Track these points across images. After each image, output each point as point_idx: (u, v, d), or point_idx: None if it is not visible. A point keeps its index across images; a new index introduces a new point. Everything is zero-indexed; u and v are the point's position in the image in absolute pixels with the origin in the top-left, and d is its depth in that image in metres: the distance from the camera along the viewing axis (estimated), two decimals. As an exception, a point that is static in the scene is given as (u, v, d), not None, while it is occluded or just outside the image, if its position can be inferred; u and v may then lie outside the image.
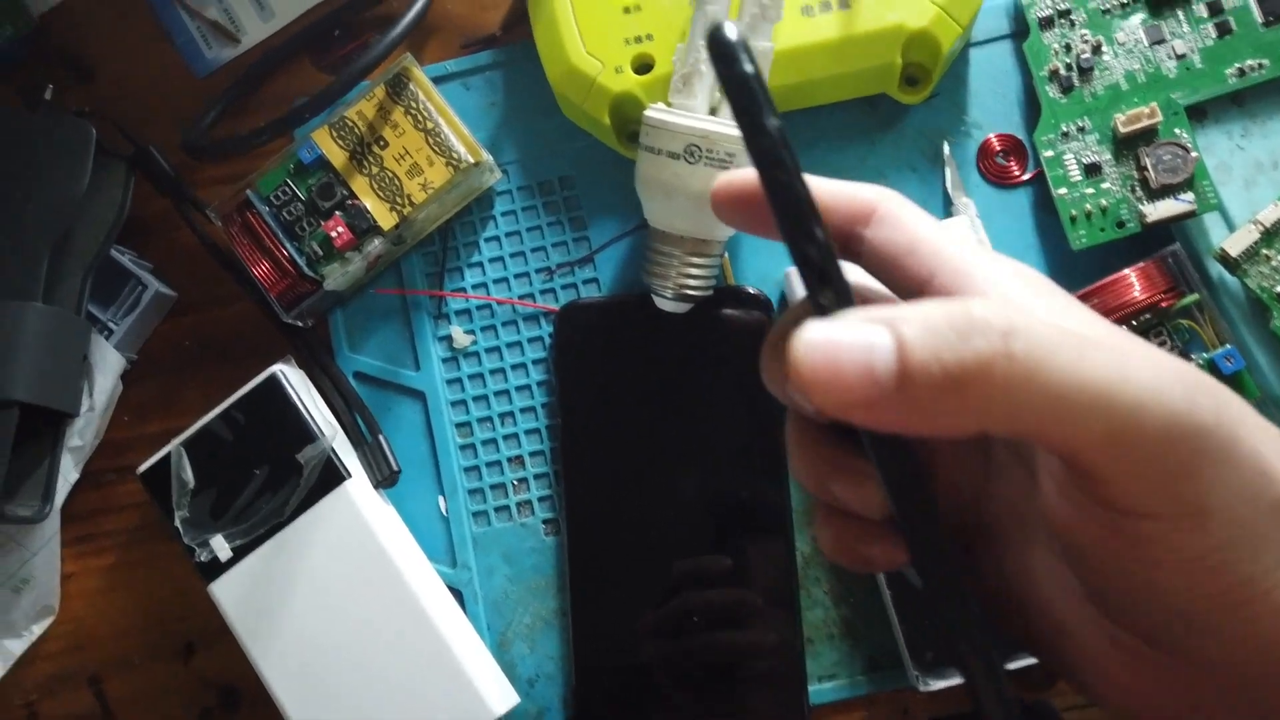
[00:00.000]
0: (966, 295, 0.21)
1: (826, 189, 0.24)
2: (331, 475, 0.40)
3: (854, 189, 0.24)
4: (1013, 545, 0.24)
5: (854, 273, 0.23)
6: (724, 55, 0.19)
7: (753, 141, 0.20)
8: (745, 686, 0.40)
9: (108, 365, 0.42)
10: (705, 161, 0.36)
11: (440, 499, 0.43)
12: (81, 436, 0.42)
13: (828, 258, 0.20)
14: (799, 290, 0.40)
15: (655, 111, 0.37)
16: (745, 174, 0.23)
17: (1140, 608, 0.21)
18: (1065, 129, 0.40)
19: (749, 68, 0.19)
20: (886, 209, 0.23)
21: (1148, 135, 0.39)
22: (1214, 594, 0.19)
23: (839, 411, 0.18)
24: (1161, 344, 0.38)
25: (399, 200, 0.41)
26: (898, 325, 0.18)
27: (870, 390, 0.17)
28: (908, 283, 0.23)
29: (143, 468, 0.40)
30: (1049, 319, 0.19)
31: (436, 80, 0.44)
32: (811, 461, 0.23)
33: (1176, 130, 0.39)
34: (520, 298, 0.43)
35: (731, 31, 0.19)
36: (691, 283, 0.39)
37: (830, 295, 0.20)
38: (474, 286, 0.44)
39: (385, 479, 0.41)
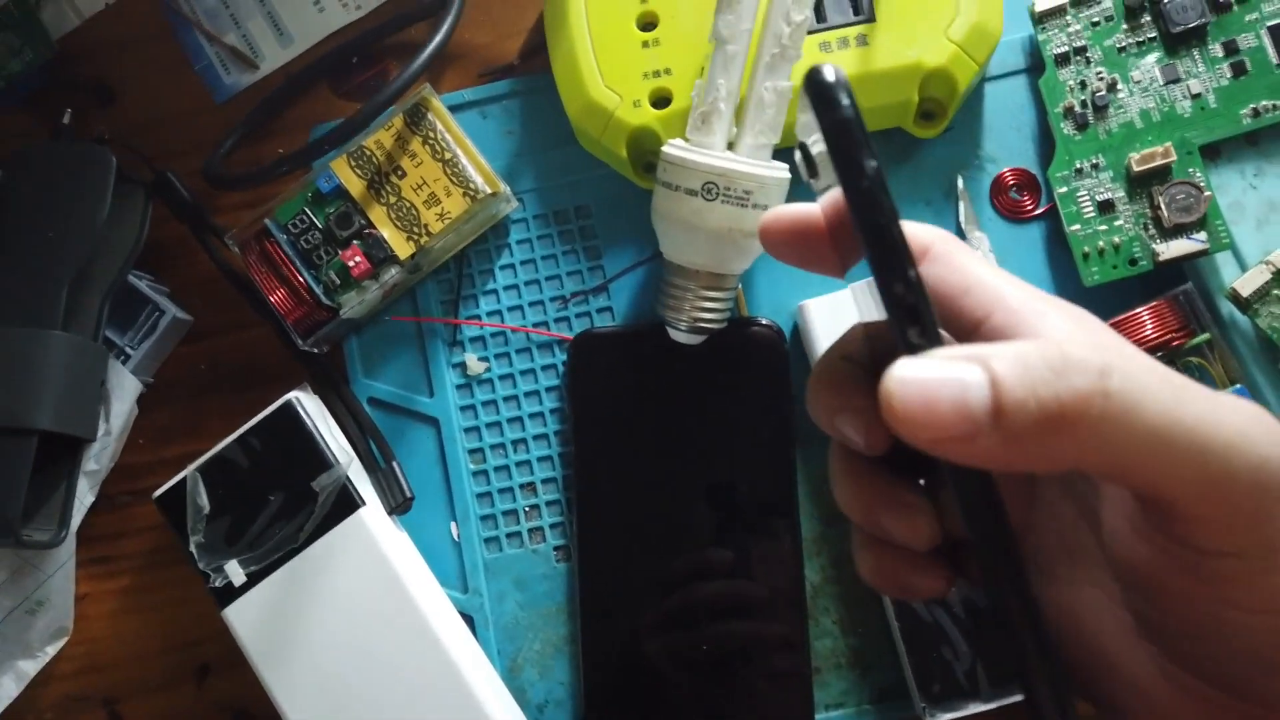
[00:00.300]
0: (1024, 337, 0.22)
1: None
2: (346, 502, 0.40)
3: (909, 228, 0.24)
4: (1057, 578, 0.24)
5: None
6: (824, 97, 0.19)
7: (850, 183, 0.20)
8: (753, 711, 0.40)
9: (124, 390, 0.42)
10: (723, 199, 0.37)
11: (453, 524, 0.43)
12: (98, 460, 0.42)
13: (920, 297, 0.20)
14: (815, 323, 0.41)
15: (673, 148, 0.38)
16: (795, 209, 0.24)
17: (1207, 647, 0.21)
18: (1079, 165, 0.40)
19: (849, 110, 0.19)
20: (941, 248, 0.24)
21: (1161, 174, 0.40)
22: None
23: (933, 446, 0.18)
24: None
25: (416, 230, 0.41)
26: (990, 362, 0.18)
27: (966, 426, 0.18)
28: (961, 322, 0.23)
29: (158, 492, 0.40)
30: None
31: (454, 109, 0.44)
32: (859, 493, 0.24)
33: (1190, 169, 0.39)
34: (534, 326, 0.44)
35: (830, 74, 0.19)
36: (706, 315, 0.40)
37: (919, 333, 0.20)
38: (489, 314, 0.44)
39: (399, 506, 0.41)
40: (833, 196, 0.22)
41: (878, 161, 0.20)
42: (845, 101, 0.19)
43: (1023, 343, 0.19)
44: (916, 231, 0.24)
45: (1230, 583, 0.20)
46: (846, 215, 0.20)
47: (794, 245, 0.24)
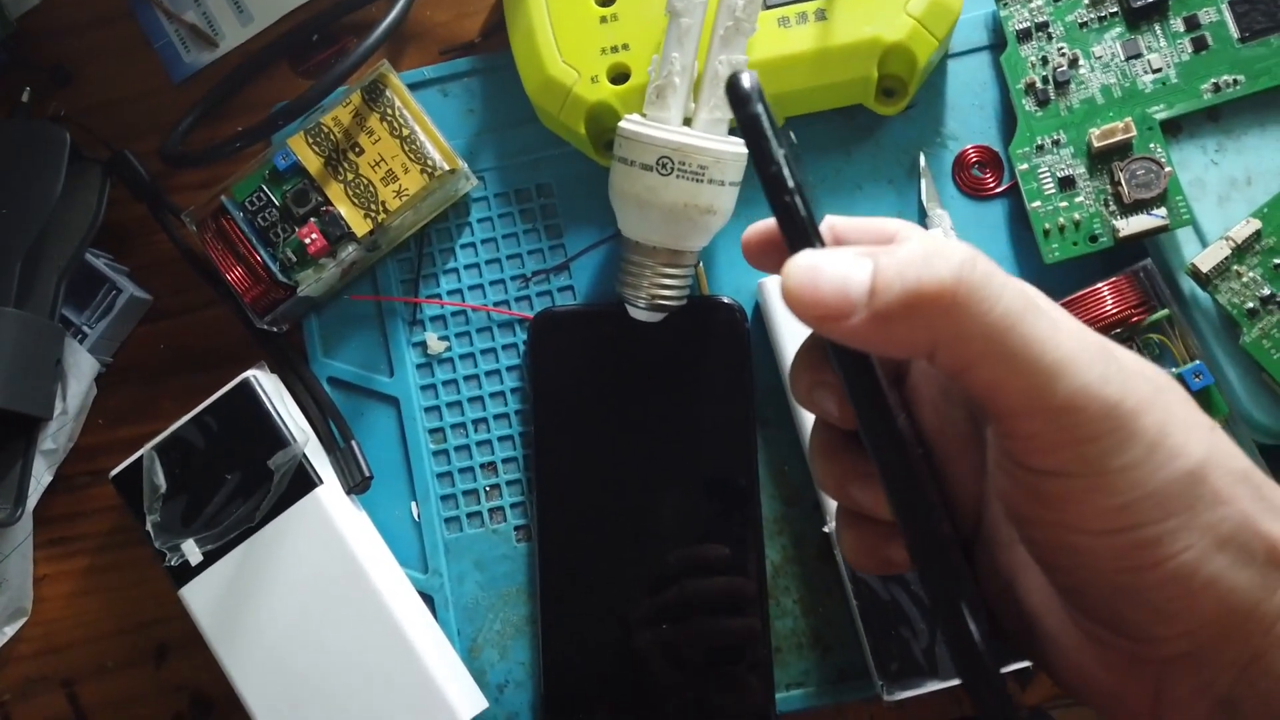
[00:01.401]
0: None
1: (847, 222, 0.25)
2: (303, 481, 0.40)
3: (877, 221, 0.25)
4: (1002, 546, 0.25)
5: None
6: (738, 99, 0.23)
7: (761, 168, 0.23)
8: (713, 690, 0.40)
9: (81, 369, 0.42)
10: (678, 174, 0.36)
11: (413, 505, 0.43)
12: (54, 440, 0.42)
13: (812, 226, 0.22)
14: (775, 302, 0.40)
15: (629, 123, 0.37)
16: (771, 222, 0.25)
17: (1071, 578, 0.22)
18: (1040, 142, 0.40)
19: (759, 109, 0.23)
20: (905, 231, 0.25)
21: (1122, 150, 0.39)
22: (1129, 558, 0.20)
23: (816, 325, 0.21)
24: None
25: (374, 207, 0.41)
26: (878, 256, 0.21)
27: (842, 305, 0.20)
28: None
29: (115, 471, 0.40)
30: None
31: (414, 87, 0.44)
32: (834, 467, 0.25)
33: (1151, 145, 0.39)
34: (495, 305, 0.43)
35: (747, 80, 0.23)
36: (664, 293, 0.39)
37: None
38: (449, 293, 0.44)
39: (357, 485, 0.41)
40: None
41: (785, 150, 0.22)
42: (757, 102, 0.23)
43: (914, 241, 0.21)
44: (885, 224, 0.25)
45: (1063, 504, 0.21)
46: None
47: (773, 256, 0.25)
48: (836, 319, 0.20)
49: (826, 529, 0.39)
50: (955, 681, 0.38)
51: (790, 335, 0.40)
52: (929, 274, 0.20)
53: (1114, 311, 0.38)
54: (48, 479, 0.43)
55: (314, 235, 0.41)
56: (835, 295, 0.20)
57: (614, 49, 0.40)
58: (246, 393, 0.40)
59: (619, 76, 0.40)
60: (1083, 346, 0.20)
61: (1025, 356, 0.20)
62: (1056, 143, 0.40)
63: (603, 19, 0.40)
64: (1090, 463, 0.20)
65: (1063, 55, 0.40)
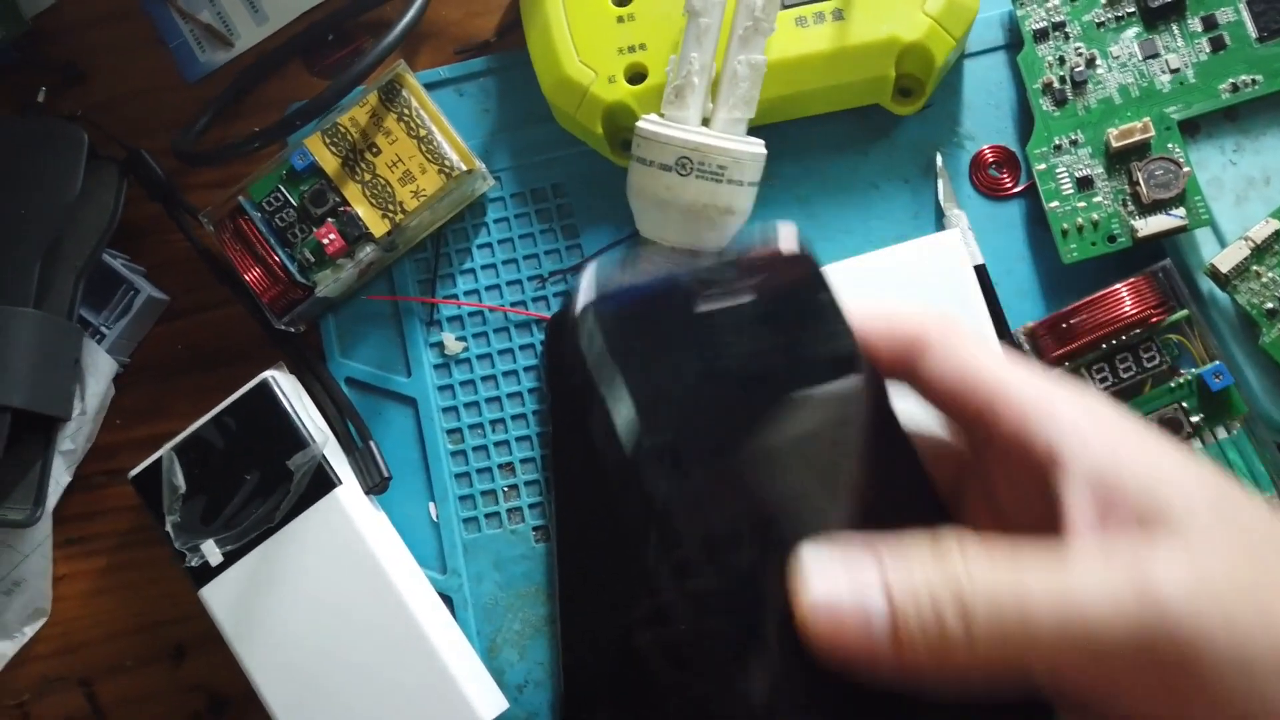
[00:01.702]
0: (1032, 441, 0.21)
1: (869, 325, 0.23)
2: (322, 482, 0.40)
3: (898, 321, 0.23)
4: None
5: (908, 402, 0.22)
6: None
7: None
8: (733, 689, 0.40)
9: (99, 369, 0.42)
10: (697, 174, 0.36)
11: (431, 505, 0.43)
12: (73, 440, 0.42)
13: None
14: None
15: (647, 123, 0.37)
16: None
17: None
18: (1058, 142, 0.40)
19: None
20: (934, 339, 0.22)
21: (1140, 150, 0.39)
22: None
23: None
24: (1151, 359, 0.38)
25: (391, 208, 0.41)
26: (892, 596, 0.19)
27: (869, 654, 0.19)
28: (965, 420, 0.22)
29: (134, 472, 0.40)
30: (1101, 447, 0.20)
31: (430, 86, 0.44)
32: None
33: (1169, 145, 0.39)
34: (512, 305, 0.43)
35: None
36: (682, 293, 0.39)
37: None
38: (466, 293, 0.44)
39: (376, 485, 0.41)
40: None
41: None
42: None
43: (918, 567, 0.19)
44: (904, 324, 0.22)
45: None
46: None
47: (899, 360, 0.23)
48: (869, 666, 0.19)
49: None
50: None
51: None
52: (940, 634, 0.18)
53: (1133, 312, 0.38)
54: (66, 479, 0.43)
55: (332, 236, 0.41)
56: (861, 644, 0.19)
57: (631, 49, 0.40)
58: (265, 393, 0.40)
59: (636, 76, 0.40)
60: (1113, 591, 0.18)
61: (1066, 645, 0.18)
62: (1074, 142, 0.40)
63: (620, 18, 0.40)
64: (1163, 708, 0.18)
65: (1080, 55, 0.40)
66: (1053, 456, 0.20)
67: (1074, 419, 0.20)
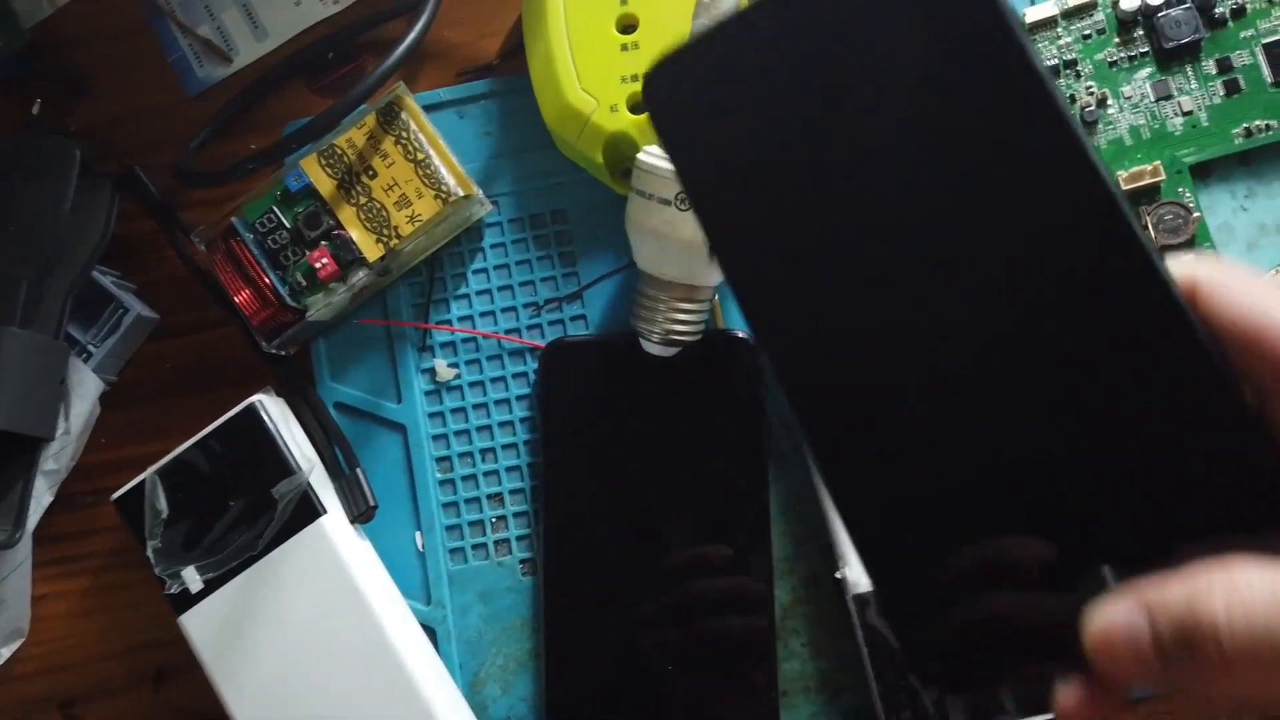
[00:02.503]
0: None
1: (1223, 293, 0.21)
2: (307, 510, 0.39)
3: (1172, 264, 0.21)
4: None
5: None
6: None
7: None
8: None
9: (85, 389, 0.42)
10: (695, 208, 0.36)
11: (417, 534, 0.42)
12: (56, 460, 0.42)
13: None
14: None
15: (648, 155, 0.37)
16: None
17: None
18: (1066, 183, 0.39)
19: None
20: (1208, 283, 0.20)
21: (1150, 193, 0.39)
22: None
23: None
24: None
25: (386, 232, 0.40)
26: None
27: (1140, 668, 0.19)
28: (1262, 366, 0.20)
29: (117, 494, 0.40)
30: None
31: (430, 108, 0.43)
32: None
33: (1179, 189, 0.38)
34: (506, 332, 0.43)
35: None
36: (679, 328, 0.39)
37: None
38: (460, 319, 0.43)
39: (362, 514, 0.40)
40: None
41: None
42: None
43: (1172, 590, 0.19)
44: (1175, 269, 0.20)
45: None
46: None
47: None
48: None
49: (838, 574, 0.38)
50: (966, 733, 0.37)
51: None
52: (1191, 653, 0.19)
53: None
54: (48, 499, 0.42)
55: (325, 260, 0.40)
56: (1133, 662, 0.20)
57: (634, 77, 0.40)
58: (252, 418, 0.40)
59: (639, 106, 0.40)
60: None
61: None
62: (1083, 184, 0.39)
63: (623, 46, 0.40)
64: None
65: (1091, 94, 0.40)
66: None
67: None
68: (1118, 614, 0.20)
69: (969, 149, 0.21)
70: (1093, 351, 0.20)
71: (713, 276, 0.38)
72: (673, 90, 0.23)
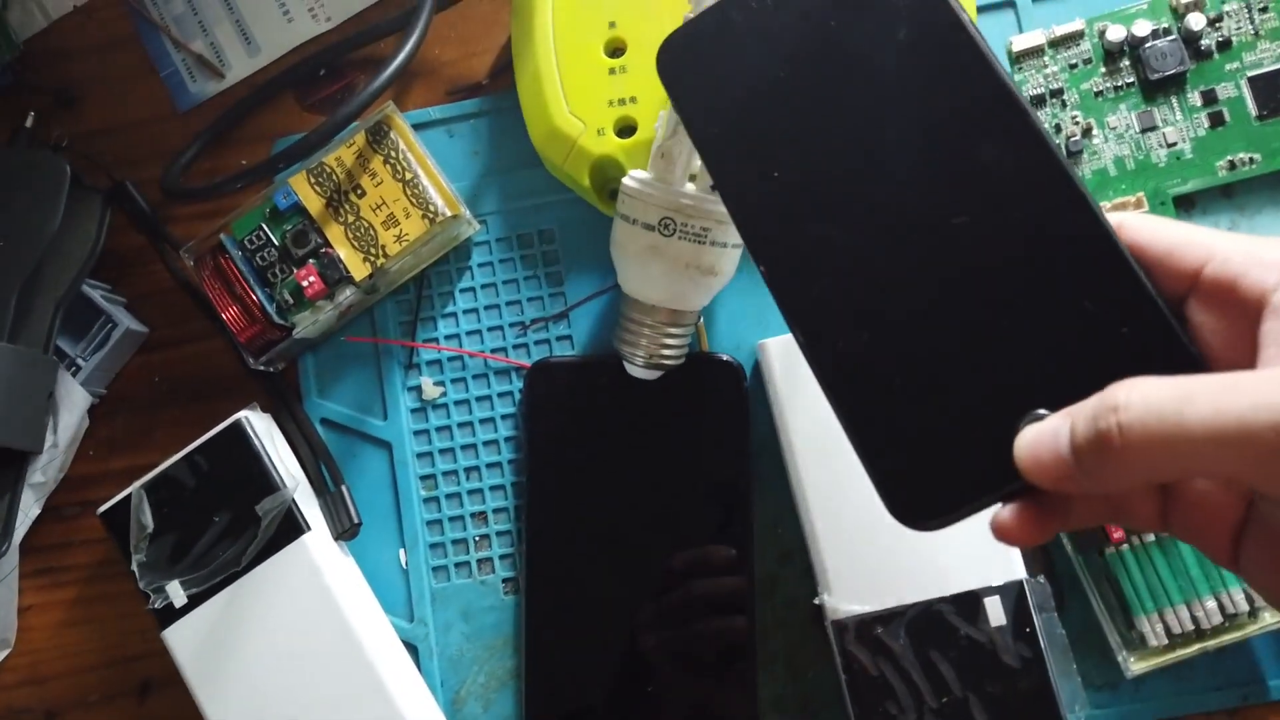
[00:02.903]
0: (1243, 284, 0.23)
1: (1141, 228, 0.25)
2: (291, 527, 0.39)
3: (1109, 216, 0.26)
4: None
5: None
6: None
7: None
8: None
9: (73, 401, 0.42)
10: (680, 235, 0.36)
11: (401, 551, 0.42)
12: (44, 473, 0.42)
13: None
14: (775, 362, 0.40)
15: (633, 180, 0.37)
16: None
17: None
18: (1051, 212, 0.40)
19: None
20: (1132, 220, 0.25)
21: (1133, 224, 0.39)
22: None
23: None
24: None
25: (373, 251, 0.41)
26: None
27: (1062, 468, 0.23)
28: (1177, 276, 0.24)
29: (104, 508, 0.40)
30: None
31: (420, 126, 0.44)
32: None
33: (1163, 221, 0.38)
34: (492, 351, 0.43)
35: None
36: (664, 352, 0.39)
37: None
38: (447, 337, 0.43)
39: (345, 531, 0.41)
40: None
41: None
42: None
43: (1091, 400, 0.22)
44: (1113, 215, 0.25)
45: None
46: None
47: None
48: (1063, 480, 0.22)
49: (817, 600, 0.38)
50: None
51: (789, 396, 0.40)
52: (1092, 432, 0.21)
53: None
54: (36, 510, 0.42)
55: (312, 278, 0.40)
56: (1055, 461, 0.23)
57: (622, 101, 0.40)
58: (238, 434, 0.40)
59: (625, 129, 0.40)
60: (1257, 383, 0.20)
61: (1213, 434, 0.20)
62: (1067, 213, 0.39)
63: (611, 70, 0.40)
64: None
65: (1076, 124, 0.40)
66: (1262, 298, 0.22)
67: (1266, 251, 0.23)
68: (1044, 426, 0.23)
69: (945, 125, 0.27)
70: (1044, 261, 0.25)
71: (697, 301, 0.38)
72: (682, 57, 0.30)
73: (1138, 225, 0.25)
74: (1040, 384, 0.25)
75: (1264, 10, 0.39)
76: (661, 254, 0.36)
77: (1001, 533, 0.24)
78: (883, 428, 0.26)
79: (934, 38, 0.27)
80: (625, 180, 0.37)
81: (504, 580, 0.42)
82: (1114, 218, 0.25)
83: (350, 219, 0.41)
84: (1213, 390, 0.20)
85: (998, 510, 0.24)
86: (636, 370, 0.39)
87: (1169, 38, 0.39)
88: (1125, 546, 0.37)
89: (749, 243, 0.28)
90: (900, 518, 0.25)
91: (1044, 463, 0.23)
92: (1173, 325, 0.24)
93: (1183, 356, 0.24)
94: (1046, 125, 0.40)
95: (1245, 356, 0.23)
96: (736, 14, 0.29)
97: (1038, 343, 0.25)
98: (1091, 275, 0.25)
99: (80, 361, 0.43)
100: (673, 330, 0.39)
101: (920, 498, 0.25)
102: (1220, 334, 0.23)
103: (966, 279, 0.26)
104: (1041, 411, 0.24)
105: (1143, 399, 0.21)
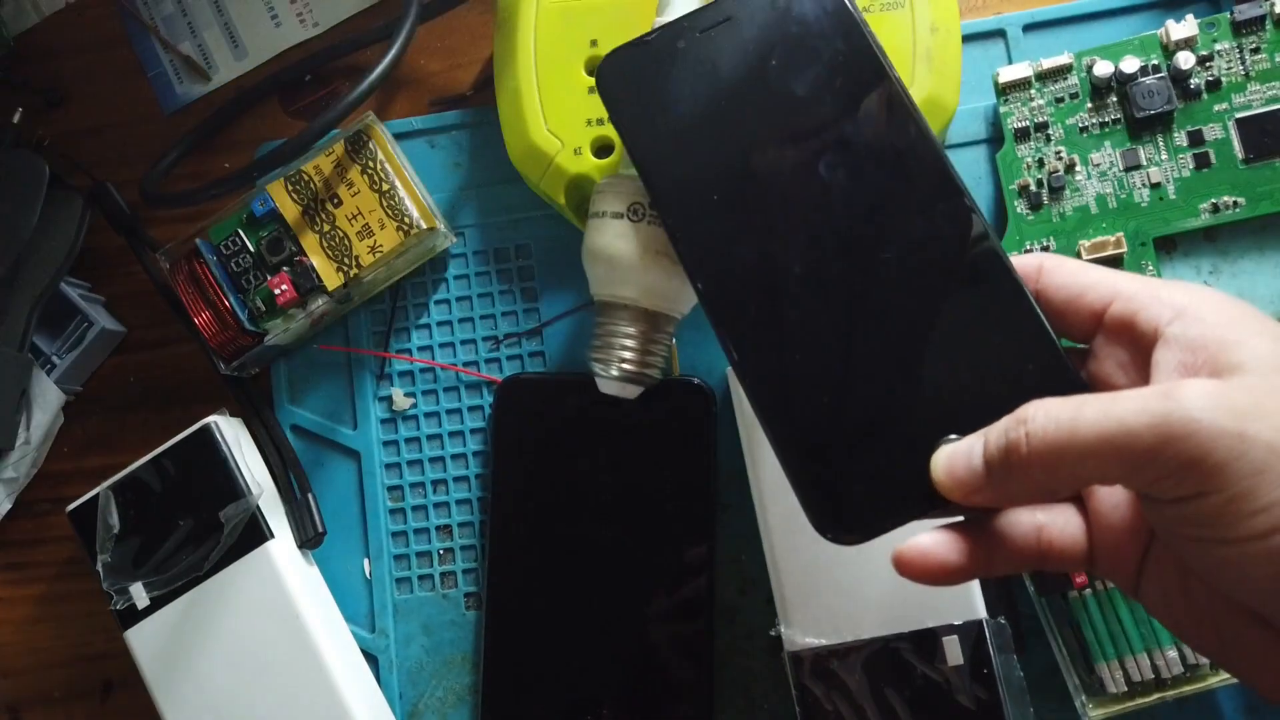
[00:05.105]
0: (1143, 319, 0.25)
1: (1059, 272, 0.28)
2: (254, 533, 0.39)
3: (1018, 259, 0.28)
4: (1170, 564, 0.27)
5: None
6: None
7: None
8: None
9: (47, 399, 0.42)
10: (649, 219, 0.35)
11: (365, 561, 0.42)
12: (16, 469, 0.42)
13: None
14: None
15: (603, 179, 0.37)
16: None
17: (1233, 587, 0.24)
18: (1029, 247, 0.39)
19: None
20: (1051, 263, 0.28)
21: (1113, 265, 0.38)
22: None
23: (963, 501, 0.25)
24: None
25: (347, 261, 0.41)
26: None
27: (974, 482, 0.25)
28: (1085, 317, 0.27)
29: (72, 506, 0.40)
30: (1194, 319, 0.24)
31: (402, 136, 0.44)
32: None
33: (1143, 262, 0.38)
34: (464, 365, 0.43)
35: None
36: (634, 359, 0.38)
37: None
38: (419, 349, 0.43)
39: (310, 540, 0.41)
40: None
41: None
42: None
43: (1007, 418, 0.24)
44: (1025, 259, 0.28)
45: (1184, 522, 0.23)
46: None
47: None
48: (974, 493, 0.25)
49: (774, 632, 0.38)
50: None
51: (756, 425, 0.39)
52: (1001, 444, 0.24)
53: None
54: (7, 506, 0.43)
55: (285, 286, 0.40)
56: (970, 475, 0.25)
57: (600, 120, 0.39)
58: (206, 439, 0.40)
59: (603, 149, 0.40)
60: (1139, 396, 0.22)
61: (1103, 445, 0.22)
62: (1045, 249, 0.39)
63: (591, 89, 0.40)
64: (1188, 483, 0.22)
65: (1060, 159, 0.39)
66: (1156, 331, 0.25)
67: (1174, 300, 0.25)
68: (960, 444, 0.26)
69: (862, 154, 0.29)
70: (961, 302, 0.28)
71: (667, 300, 0.37)
72: (621, 76, 0.32)
73: (1054, 268, 0.27)
74: (955, 412, 0.27)
75: (1256, 51, 0.38)
76: (630, 241, 0.36)
77: (905, 565, 0.26)
78: (808, 446, 0.28)
79: (857, 84, 0.30)
80: (597, 185, 0.37)
81: (466, 595, 0.42)
82: (1035, 259, 0.28)
83: (326, 228, 0.41)
84: (1102, 401, 0.23)
85: (904, 545, 0.26)
86: (608, 384, 0.39)
87: (1157, 75, 0.38)
88: (1088, 591, 0.37)
89: (683, 259, 0.30)
90: (821, 530, 0.27)
91: (958, 475, 0.25)
92: (1064, 360, 0.27)
93: (1078, 387, 0.26)
94: (1028, 159, 0.39)
95: (1144, 383, 0.25)
96: (681, 41, 0.32)
97: (954, 376, 0.27)
98: (1002, 317, 0.27)
99: (56, 359, 0.43)
100: (645, 336, 0.38)
101: (841, 513, 0.27)
102: (1125, 365, 0.26)
103: (893, 309, 0.28)
104: (953, 436, 0.26)
105: (1044, 412, 0.23)
